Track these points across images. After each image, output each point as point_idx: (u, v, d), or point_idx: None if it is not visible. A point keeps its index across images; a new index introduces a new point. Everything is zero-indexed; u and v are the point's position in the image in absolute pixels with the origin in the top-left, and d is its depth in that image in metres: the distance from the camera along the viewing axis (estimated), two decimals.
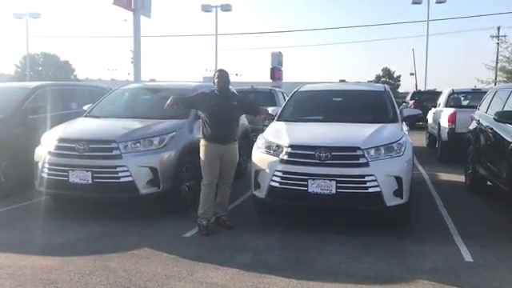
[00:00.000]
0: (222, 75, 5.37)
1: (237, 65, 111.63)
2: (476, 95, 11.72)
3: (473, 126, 7.82)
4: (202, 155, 5.32)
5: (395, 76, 67.20)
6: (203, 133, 5.35)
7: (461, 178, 8.26)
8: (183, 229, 5.26)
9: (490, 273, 4.12)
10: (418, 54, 44.85)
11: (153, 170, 5.58)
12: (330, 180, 4.94)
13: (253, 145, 5.84)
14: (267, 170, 5.23)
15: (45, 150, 5.83)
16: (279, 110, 6.91)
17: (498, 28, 36.83)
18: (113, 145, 5.56)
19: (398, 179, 5.00)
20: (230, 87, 5.72)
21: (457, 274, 4.09)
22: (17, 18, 37.16)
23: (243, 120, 7.98)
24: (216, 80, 5.37)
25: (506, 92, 6.82)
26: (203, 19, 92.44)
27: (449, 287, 3.85)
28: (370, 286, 3.89)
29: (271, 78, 31.46)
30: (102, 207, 6.07)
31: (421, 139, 14.10)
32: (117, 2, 11.98)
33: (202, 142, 5.34)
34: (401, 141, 5.28)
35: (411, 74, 48.58)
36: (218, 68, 5.94)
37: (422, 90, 27.32)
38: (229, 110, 5.34)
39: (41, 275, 3.99)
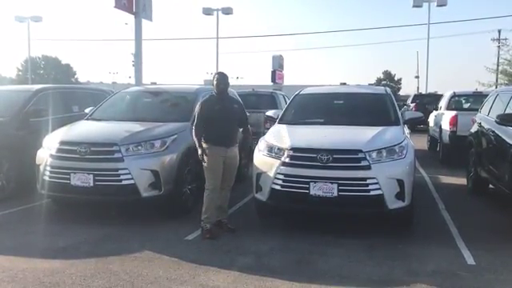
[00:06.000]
0: (222, 78, 5.37)
1: (238, 68, 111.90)
2: (477, 98, 11.71)
3: (474, 128, 7.81)
4: (205, 159, 5.26)
5: (396, 79, 67.41)
6: (206, 136, 5.33)
7: (462, 181, 8.25)
8: (185, 232, 5.26)
9: (493, 276, 4.11)
10: (420, 56, 44.99)
11: (154, 172, 5.57)
12: (332, 183, 4.93)
13: (254, 148, 5.84)
14: (269, 173, 5.22)
15: (46, 152, 5.83)
16: (280, 112, 6.90)
17: (499, 31, 36.84)
18: (114, 148, 5.56)
19: (400, 182, 4.99)
20: (231, 90, 5.70)
21: (459, 278, 4.08)
22: (19, 22, 37.35)
23: None
24: (215, 83, 5.36)
25: (508, 95, 6.81)
26: (204, 22, 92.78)
27: None
28: None
29: (272, 81, 31.51)
30: (103, 210, 6.07)
31: (422, 142, 14.08)
32: (118, 5, 12.00)
33: (204, 145, 5.28)
34: (402, 143, 5.27)
35: (416, 77, 48.81)
36: (218, 71, 5.91)
37: (423, 92, 27.32)
38: (231, 113, 5.36)
39: (42, 278, 3.99)
